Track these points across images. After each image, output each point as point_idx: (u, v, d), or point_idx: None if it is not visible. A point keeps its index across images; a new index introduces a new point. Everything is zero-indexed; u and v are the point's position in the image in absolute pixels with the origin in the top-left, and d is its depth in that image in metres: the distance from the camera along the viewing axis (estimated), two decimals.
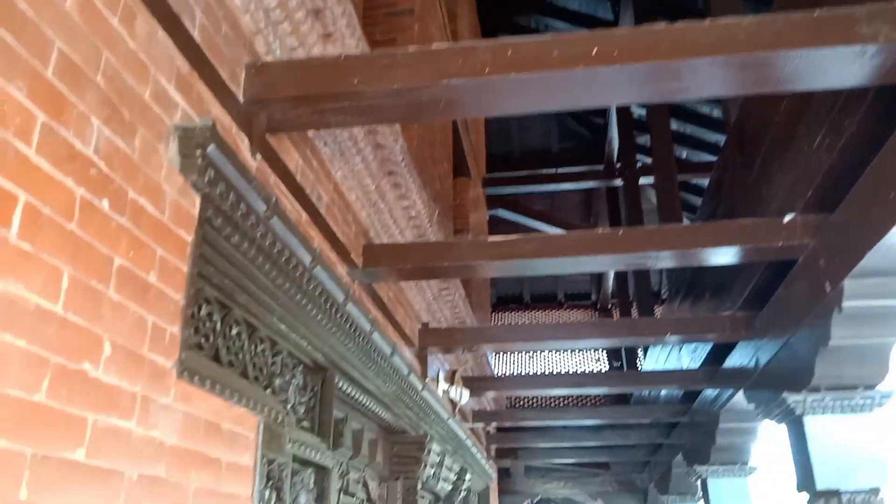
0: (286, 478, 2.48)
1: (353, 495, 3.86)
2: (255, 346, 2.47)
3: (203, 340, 2.10)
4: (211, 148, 1.93)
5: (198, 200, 1.95)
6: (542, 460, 10.19)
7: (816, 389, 3.66)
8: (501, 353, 13.47)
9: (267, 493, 2.32)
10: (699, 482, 6.26)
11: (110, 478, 1.52)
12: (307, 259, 2.63)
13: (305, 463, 2.75)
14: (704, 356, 5.73)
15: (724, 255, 3.41)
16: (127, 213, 1.63)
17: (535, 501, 12.48)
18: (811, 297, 3.45)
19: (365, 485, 4.04)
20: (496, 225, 10.25)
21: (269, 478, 2.36)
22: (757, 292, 4.33)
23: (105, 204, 1.55)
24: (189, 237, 1.90)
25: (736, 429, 5.69)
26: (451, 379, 5.62)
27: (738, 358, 4.87)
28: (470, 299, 6.35)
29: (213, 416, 1.97)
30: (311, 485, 2.76)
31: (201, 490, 1.89)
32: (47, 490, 1.32)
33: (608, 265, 3.51)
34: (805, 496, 3.81)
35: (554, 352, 13.32)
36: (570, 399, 11.24)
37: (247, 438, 2.18)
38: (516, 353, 13.64)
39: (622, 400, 9.92)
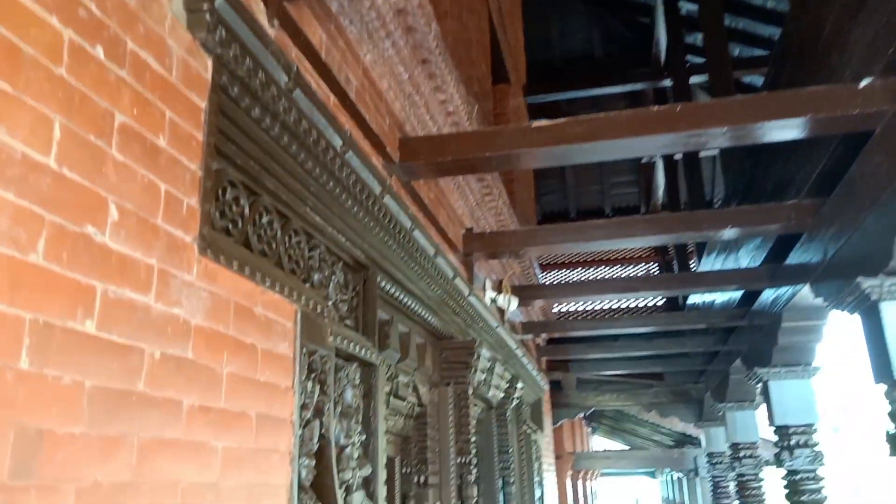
0: (330, 371, 2.36)
1: (403, 399, 3.78)
2: (290, 238, 2.32)
3: (231, 226, 1.95)
4: (220, 2, 1.73)
5: (209, 63, 1.76)
6: (593, 372, 10.10)
7: (894, 273, 3.38)
8: (549, 271, 13.29)
9: (309, 384, 2.20)
10: (759, 386, 6.06)
11: (128, 354, 1.39)
12: (337, 142, 2.44)
13: (350, 358, 2.63)
14: (764, 256, 5.44)
15: (789, 129, 3.11)
16: (127, 65, 1.45)
17: (587, 414, 12.50)
18: (890, 171, 3.15)
19: (415, 389, 3.95)
20: None
21: (310, 369, 2.24)
22: (825, 177, 4.02)
23: (99, 51, 1.37)
24: (202, 103, 1.72)
25: (799, 328, 5.44)
26: (498, 287, 5.47)
27: (804, 251, 4.58)
28: (515, 212, 6.13)
29: (243, 299, 1.83)
30: (357, 380, 2.64)
31: (235, 376, 1.77)
32: (52, 360, 1.19)
33: (663, 147, 3.25)
34: (882, 388, 3.59)
35: (604, 269, 13.07)
36: (622, 311, 11.05)
37: (284, 326, 2.05)
38: (564, 270, 13.45)
39: (675, 309, 9.69)
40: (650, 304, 10.71)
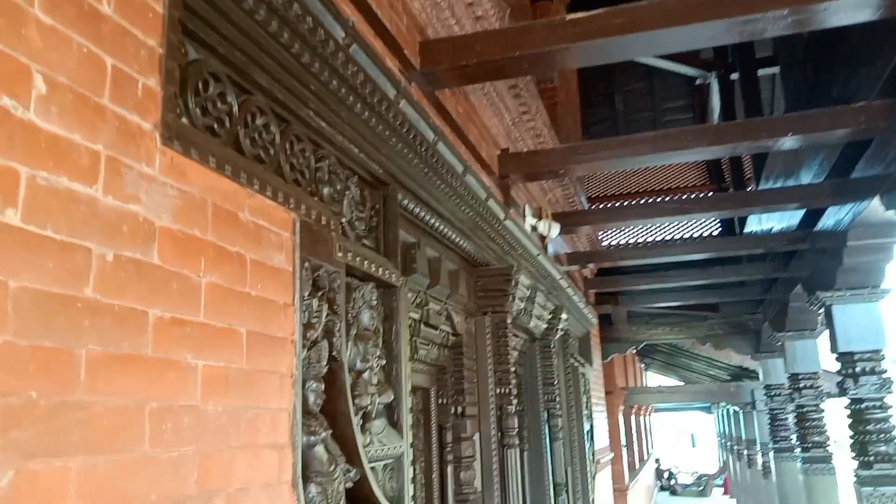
0: (339, 289, 2.14)
1: (435, 328, 3.58)
2: (291, 145, 2.09)
3: (217, 125, 1.73)
4: None
5: None
6: (644, 305, 9.77)
7: None
8: (596, 205, 12.86)
9: (315, 302, 1.99)
10: (823, 311, 5.68)
11: (69, 252, 1.18)
12: (338, 33, 2.17)
13: (366, 278, 2.41)
14: (827, 174, 5.02)
15: (861, 8, 2.71)
16: None
17: (639, 349, 12.24)
18: None
19: (449, 318, 3.74)
20: None
21: (316, 286, 2.03)
22: None
23: None
24: None
25: (867, 247, 5.02)
26: (538, 213, 5.18)
27: (873, 160, 4.16)
28: (557, 133, 5.78)
29: (224, 201, 1.61)
30: (375, 301, 2.43)
31: (218, 287, 1.56)
32: None
33: (713, 37, 2.88)
34: None
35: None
36: (674, 242, 10.58)
37: (279, 236, 1.83)
38: (612, 203, 12.99)
39: (731, 236, 9.23)
40: (704, 235, 10.24)
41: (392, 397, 2.47)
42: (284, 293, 1.83)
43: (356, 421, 2.19)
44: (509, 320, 4.25)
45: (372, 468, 2.32)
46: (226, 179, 1.61)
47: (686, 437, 45.13)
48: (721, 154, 4.05)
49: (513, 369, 4.22)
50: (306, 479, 1.92)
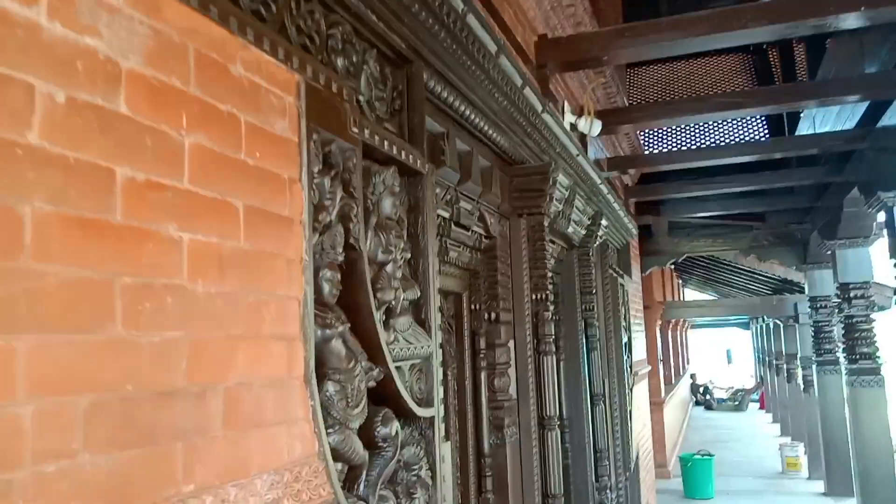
0: (355, 170, 1.90)
1: (467, 228, 3.35)
2: (298, 3, 1.81)
3: None
4: None
5: None
6: (687, 215, 9.39)
7: None
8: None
9: (327, 182, 1.76)
10: (882, 214, 5.31)
11: (1, 85, 0.95)
12: None
13: (388, 161, 2.16)
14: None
15: None
16: None
17: (678, 262, 11.94)
18: None
19: (482, 219, 3.50)
20: None
21: (328, 164, 1.79)
22: None
23: None
24: None
25: None
26: (578, 111, 4.84)
27: None
28: (598, 24, 5.34)
29: (210, 49, 1.35)
30: (398, 188, 2.19)
31: (205, 150, 1.32)
32: None
33: None
34: None
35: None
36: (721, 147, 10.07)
37: (281, 100, 1.58)
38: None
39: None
40: (753, 141, 9.72)
41: (418, 294, 2.26)
42: (289, 167, 1.59)
43: (378, 316, 1.99)
44: (546, 223, 3.99)
45: (398, 367, 2.14)
46: (212, 24, 1.35)
47: (721, 354, 45.09)
48: (781, 34, 3.64)
49: (549, 275, 3.99)
50: (322, 377, 1.74)
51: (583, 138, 5.04)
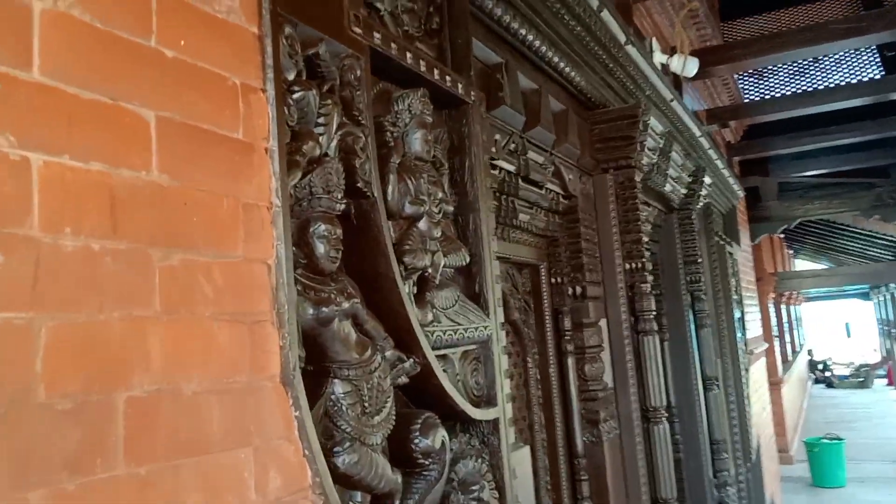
0: (360, 85, 1.38)
1: (539, 186, 2.78)
2: None
3: None
4: None
5: None
6: (797, 173, 8.40)
7: None
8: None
9: (314, 99, 1.24)
10: None
11: None
12: None
13: (414, 81, 1.62)
14: None
15: None
16: None
17: (788, 230, 10.87)
18: None
19: (557, 174, 2.92)
20: None
21: (315, 74, 1.28)
22: None
23: None
24: None
25: None
26: (669, 51, 4.15)
27: None
28: None
29: None
30: (428, 116, 1.64)
31: (71, 22, 0.84)
32: None
33: None
34: None
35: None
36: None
37: None
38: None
39: None
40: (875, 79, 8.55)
41: (467, 259, 1.71)
42: (243, 68, 1.09)
43: (407, 288, 1.46)
44: (638, 178, 3.36)
45: (443, 356, 1.61)
46: None
47: (839, 327, 42.19)
48: None
49: (645, 239, 3.36)
50: (322, 372, 1.24)
51: (676, 82, 4.35)
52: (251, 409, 1.02)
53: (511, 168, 2.53)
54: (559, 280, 3.09)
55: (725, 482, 4.72)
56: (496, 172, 2.42)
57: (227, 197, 1.03)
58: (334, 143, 1.31)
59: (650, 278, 3.39)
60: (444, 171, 1.74)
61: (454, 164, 1.81)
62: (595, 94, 3.14)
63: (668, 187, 4.04)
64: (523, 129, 2.57)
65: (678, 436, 4.49)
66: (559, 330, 3.07)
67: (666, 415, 3.35)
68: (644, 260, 3.33)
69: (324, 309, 1.22)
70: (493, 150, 2.33)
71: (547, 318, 3.06)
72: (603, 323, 3.22)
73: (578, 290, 3.08)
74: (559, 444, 3.01)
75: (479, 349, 1.75)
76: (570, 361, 3.06)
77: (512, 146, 2.51)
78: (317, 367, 1.26)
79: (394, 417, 1.37)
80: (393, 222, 1.50)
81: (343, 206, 1.29)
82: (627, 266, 3.33)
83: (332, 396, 1.25)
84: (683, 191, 4.43)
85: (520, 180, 2.61)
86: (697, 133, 4.68)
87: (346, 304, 1.27)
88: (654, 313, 3.39)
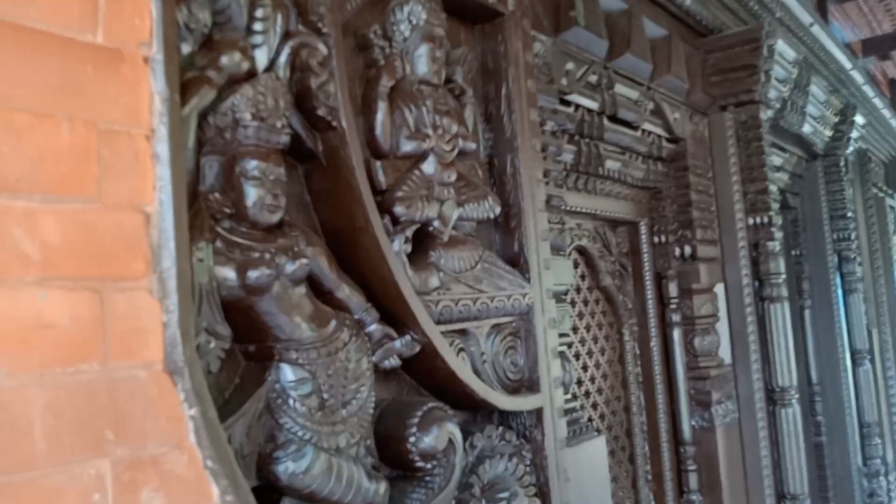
0: None
1: (633, 127, 2.35)
2: None
3: None
4: None
5: None
6: None
7: None
8: None
9: None
10: None
11: None
12: None
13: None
14: None
15: None
16: None
17: None
18: None
19: (658, 112, 2.46)
20: None
21: None
22: None
23: None
24: None
25: None
26: None
27: None
28: None
29: None
30: (439, 30, 1.29)
31: None
32: None
33: None
34: None
35: None
36: None
37: None
38: None
39: None
40: None
41: (495, 210, 1.36)
42: None
43: (397, 245, 1.14)
44: (764, 116, 2.82)
45: (460, 331, 1.29)
46: None
47: None
48: None
49: (771, 188, 2.82)
50: (265, 355, 0.96)
51: (820, 5, 3.67)
52: (107, 409, 0.75)
53: (592, 105, 2.12)
54: (663, 239, 2.65)
55: (878, 471, 4.07)
56: (571, 110, 2.03)
57: (70, 120, 0.75)
58: (283, 59, 1.01)
59: (779, 235, 2.86)
60: (469, 101, 1.38)
61: (488, 94, 1.45)
62: (707, 17, 2.64)
63: (807, 128, 3.41)
64: (607, 57, 2.14)
65: (820, 417, 3.91)
66: (662, 297, 2.64)
67: (796, 395, 2.83)
68: (771, 213, 2.80)
69: (251, 273, 0.93)
70: (564, 81, 1.94)
71: (648, 283, 2.65)
72: (719, 289, 2.75)
73: (687, 250, 2.63)
74: (661, 428, 2.61)
75: (517, 322, 1.40)
76: (676, 334, 2.63)
77: (592, 78, 2.10)
78: (258, 348, 0.97)
79: (371, 410, 1.07)
80: (385, 162, 1.18)
81: (286, 139, 0.99)
82: (751, 221, 2.82)
83: (276, 386, 0.97)
84: (828, 133, 3.75)
85: (604, 120, 2.19)
86: (848, 65, 3.95)
87: (289, 267, 0.97)
88: (783, 277, 2.86)
